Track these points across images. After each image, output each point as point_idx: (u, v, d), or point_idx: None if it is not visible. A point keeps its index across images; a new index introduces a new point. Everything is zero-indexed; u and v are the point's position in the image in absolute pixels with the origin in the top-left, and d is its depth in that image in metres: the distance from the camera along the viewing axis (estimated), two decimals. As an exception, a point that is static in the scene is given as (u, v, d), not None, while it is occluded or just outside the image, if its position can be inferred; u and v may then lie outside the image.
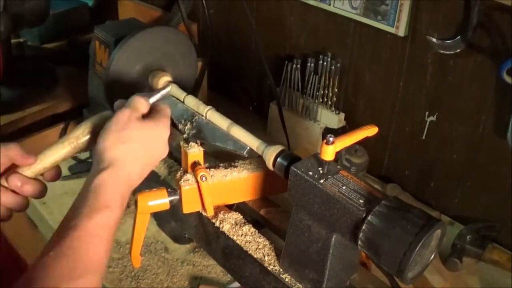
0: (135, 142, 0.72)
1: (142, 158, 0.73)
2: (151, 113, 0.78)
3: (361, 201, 0.66)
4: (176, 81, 1.03)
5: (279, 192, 0.93)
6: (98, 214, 0.63)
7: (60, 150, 0.78)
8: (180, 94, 0.97)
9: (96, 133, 0.76)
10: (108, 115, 0.78)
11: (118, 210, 0.67)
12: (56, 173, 0.78)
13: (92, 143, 0.78)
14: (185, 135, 0.92)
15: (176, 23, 1.43)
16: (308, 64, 1.29)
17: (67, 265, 0.57)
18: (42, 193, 0.74)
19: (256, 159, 0.91)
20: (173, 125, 1.09)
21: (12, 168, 0.73)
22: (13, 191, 0.72)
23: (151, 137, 0.74)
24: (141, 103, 0.78)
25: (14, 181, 0.71)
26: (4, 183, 0.72)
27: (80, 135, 0.79)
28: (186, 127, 0.92)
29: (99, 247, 0.62)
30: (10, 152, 0.72)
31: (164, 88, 0.89)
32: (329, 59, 1.26)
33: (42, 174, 0.77)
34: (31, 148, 0.76)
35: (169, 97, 0.98)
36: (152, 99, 0.82)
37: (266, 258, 0.83)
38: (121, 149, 0.71)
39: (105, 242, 0.63)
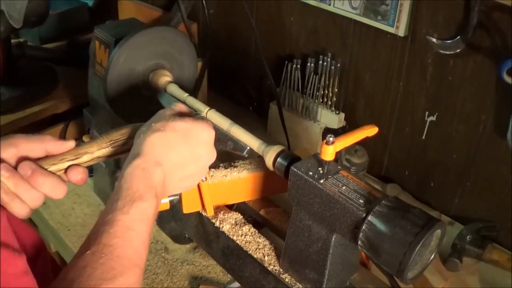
0: (169, 131, 0.69)
1: (179, 150, 0.69)
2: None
3: (361, 201, 0.66)
4: (176, 81, 1.03)
5: (279, 192, 0.93)
6: (132, 206, 0.61)
7: (93, 148, 0.73)
8: (180, 94, 0.97)
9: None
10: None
11: (153, 201, 0.64)
12: (82, 175, 0.71)
13: (129, 147, 0.73)
14: None
15: (176, 23, 1.42)
16: (308, 64, 1.29)
17: (105, 264, 0.56)
18: (56, 190, 0.68)
19: (256, 159, 0.91)
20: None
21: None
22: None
23: (188, 131, 0.71)
24: (180, 105, 0.78)
25: (24, 169, 0.65)
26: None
27: (118, 137, 0.75)
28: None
29: (136, 242, 0.60)
30: (45, 143, 0.69)
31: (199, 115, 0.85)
32: (329, 59, 1.26)
33: (65, 173, 0.70)
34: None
35: (169, 97, 0.98)
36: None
37: (266, 258, 0.83)
38: (154, 136, 0.68)
39: (142, 235, 0.61)
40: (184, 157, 0.70)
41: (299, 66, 1.31)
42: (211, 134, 0.74)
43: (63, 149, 0.71)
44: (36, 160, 0.68)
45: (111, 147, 0.74)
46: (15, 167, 0.66)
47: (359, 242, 0.65)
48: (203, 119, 0.77)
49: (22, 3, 1.20)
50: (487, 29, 1.01)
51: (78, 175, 0.70)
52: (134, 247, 0.60)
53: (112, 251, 0.57)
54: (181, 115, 0.76)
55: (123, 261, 0.58)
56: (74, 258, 0.57)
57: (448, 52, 1.08)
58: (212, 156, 0.75)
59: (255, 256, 0.83)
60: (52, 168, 0.69)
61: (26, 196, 0.65)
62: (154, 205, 0.64)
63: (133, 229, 0.60)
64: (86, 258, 0.56)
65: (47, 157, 0.70)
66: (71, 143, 0.72)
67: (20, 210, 0.66)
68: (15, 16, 1.19)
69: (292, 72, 1.33)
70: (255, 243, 0.85)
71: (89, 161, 0.73)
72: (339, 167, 0.72)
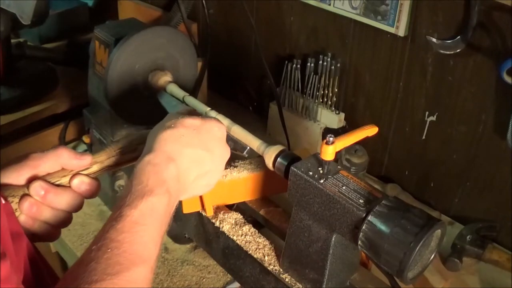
0: (180, 127, 0.68)
1: (192, 145, 0.68)
2: None
3: (361, 201, 0.66)
4: (176, 81, 1.03)
5: (279, 192, 0.93)
6: (141, 201, 0.59)
7: (102, 158, 0.70)
8: (180, 94, 0.97)
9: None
10: None
11: (164, 196, 0.61)
12: (88, 186, 0.68)
13: (139, 154, 0.70)
14: None
15: (176, 23, 1.42)
16: (308, 64, 1.29)
17: (110, 259, 0.53)
18: (73, 204, 0.66)
19: (256, 159, 0.91)
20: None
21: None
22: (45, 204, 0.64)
23: (199, 127, 0.70)
24: (188, 108, 0.77)
25: (36, 190, 0.63)
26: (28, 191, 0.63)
27: (127, 144, 0.73)
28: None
29: (145, 237, 0.57)
30: (61, 158, 0.66)
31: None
32: (329, 59, 1.26)
33: (69, 182, 0.67)
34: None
35: (169, 97, 0.98)
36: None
37: (266, 258, 0.83)
38: (165, 133, 0.67)
39: (152, 231, 0.58)
40: (199, 153, 0.69)
41: (299, 66, 1.31)
42: (222, 130, 0.74)
43: (80, 164, 0.68)
44: (45, 175, 0.65)
45: (121, 155, 0.73)
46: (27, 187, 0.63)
47: (359, 242, 0.65)
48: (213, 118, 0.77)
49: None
50: (487, 29, 1.01)
51: (81, 185, 0.67)
52: (143, 243, 0.57)
53: (119, 246, 0.54)
54: (190, 114, 0.75)
55: (130, 256, 0.54)
56: (81, 256, 0.55)
57: (448, 52, 1.08)
58: (226, 152, 0.74)
59: (255, 256, 0.83)
60: (62, 181, 0.66)
61: (46, 217, 0.64)
62: (165, 201, 0.62)
63: (142, 224, 0.58)
64: (92, 253, 0.54)
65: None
66: (87, 158, 0.69)
67: (47, 232, 0.65)
68: (24, 16, 1.21)
69: (292, 72, 1.33)
70: (255, 243, 0.85)
71: (98, 170, 0.70)
72: (339, 167, 0.72)
